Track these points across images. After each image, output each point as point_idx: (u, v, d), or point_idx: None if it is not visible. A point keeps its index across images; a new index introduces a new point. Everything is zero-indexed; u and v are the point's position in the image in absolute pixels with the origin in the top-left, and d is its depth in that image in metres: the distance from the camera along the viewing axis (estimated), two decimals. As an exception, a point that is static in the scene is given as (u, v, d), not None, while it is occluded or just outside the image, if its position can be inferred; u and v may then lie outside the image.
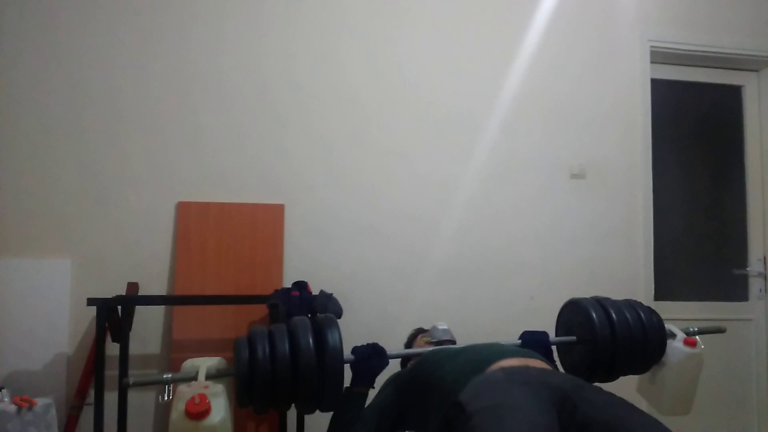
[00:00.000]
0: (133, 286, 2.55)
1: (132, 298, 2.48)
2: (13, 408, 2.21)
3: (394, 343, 2.64)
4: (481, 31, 3.05)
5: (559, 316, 2.20)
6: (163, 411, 2.56)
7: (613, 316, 2.00)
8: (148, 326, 2.57)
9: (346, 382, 1.78)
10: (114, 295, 2.40)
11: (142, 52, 2.70)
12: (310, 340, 1.73)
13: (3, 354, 2.42)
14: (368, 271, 2.81)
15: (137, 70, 2.69)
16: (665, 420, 1.42)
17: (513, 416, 1.29)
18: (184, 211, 2.66)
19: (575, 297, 2.15)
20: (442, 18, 3.01)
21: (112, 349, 2.37)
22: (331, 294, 2.53)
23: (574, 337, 2.07)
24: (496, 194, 2.99)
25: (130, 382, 1.74)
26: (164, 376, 1.73)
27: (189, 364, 1.79)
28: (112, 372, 2.34)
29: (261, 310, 2.57)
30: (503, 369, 1.53)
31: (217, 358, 1.85)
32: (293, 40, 2.84)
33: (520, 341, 2.02)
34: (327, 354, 1.72)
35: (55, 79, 2.62)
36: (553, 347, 2.07)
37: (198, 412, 1.58)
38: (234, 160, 2.75)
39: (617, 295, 2.19)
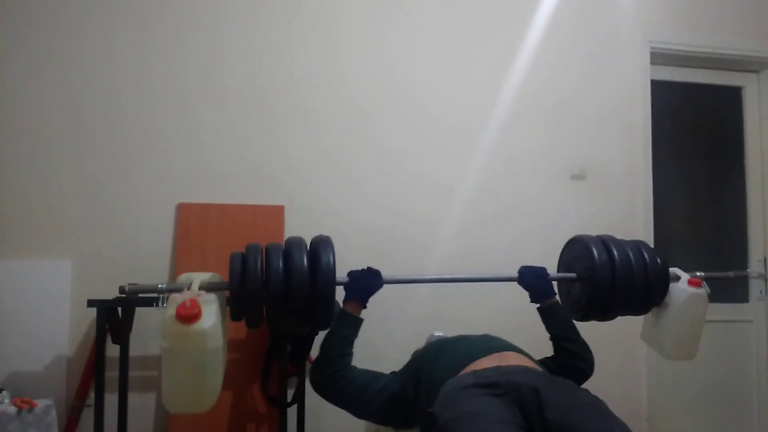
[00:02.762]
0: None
1: (132, 300, 2.47)
2: (13, 409, 2.21)
3: (394, 344, 2.64)
4: (482, 31, 3.05)
5: (561, 252, 2.19)
6: (163, 413, 2.56)
7: (614, 253, 1.97)
8: (148, 327, 2.56)
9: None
10: (114, 297, 2.40)
11: (141, 53, 2.70)
12: (304, 258, 1.75)
13: (3, 355, 2.42)
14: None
15: (136, 70, 2.69)
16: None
17: (479, 422, 1.42)
18: (185, 212, 2.66)
19: (578, 234, 2.14)
20: (442, 19, 3.01)
21: (113, 350, 2.37)
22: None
23: (574, 274, 2.05)
24: (497, 195, 2.99)
25: (126, 289, 1.81)
26: (159, 285, 1.76)
27: (184, 276, 1.81)
28: (112, 373, 2.34)
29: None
30: (475, 372, 1.63)
31: (211, 273, 1.86)
32: (292, 42, 2.84)
33: (517, 275, 2.06)
34: (320, 272, 1.74)
35: (54, 79, 2.61)
36: (555, 284, 2.09)
37: (188, 315, 1.57)
38: (234, 161, 2.75)
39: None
